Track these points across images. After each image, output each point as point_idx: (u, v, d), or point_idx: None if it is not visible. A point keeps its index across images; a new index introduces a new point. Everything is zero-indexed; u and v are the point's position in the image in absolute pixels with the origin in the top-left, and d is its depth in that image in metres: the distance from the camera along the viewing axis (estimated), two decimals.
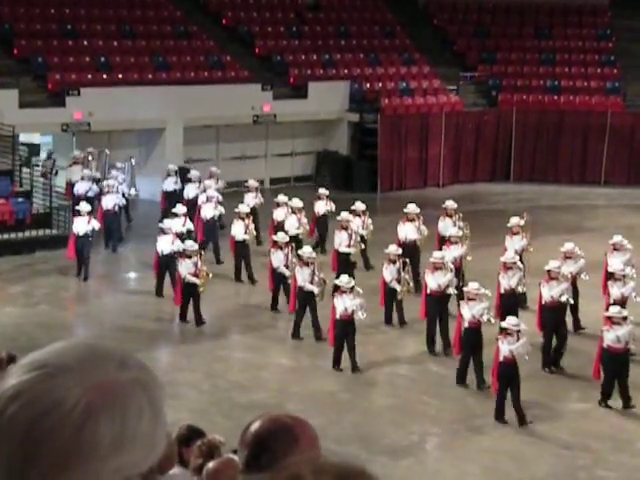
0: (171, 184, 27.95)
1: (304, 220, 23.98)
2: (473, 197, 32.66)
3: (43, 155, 30.75)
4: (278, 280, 20.94)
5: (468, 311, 17.30)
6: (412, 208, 22.87)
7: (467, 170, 35.62)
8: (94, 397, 1.52)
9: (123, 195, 26.89)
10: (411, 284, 20.41)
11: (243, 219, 23.15)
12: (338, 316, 17.95)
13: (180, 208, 23.75)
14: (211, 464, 6.60)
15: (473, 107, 36.31)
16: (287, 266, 20.73)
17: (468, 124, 35.47)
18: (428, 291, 19.17)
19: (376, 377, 18.03)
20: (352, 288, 17.93)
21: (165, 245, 21.77)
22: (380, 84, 35.37)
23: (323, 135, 34.90)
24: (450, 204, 23.42)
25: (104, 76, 30.87)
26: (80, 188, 26.76)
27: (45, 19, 31.97)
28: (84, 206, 23.33)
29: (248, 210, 23.68)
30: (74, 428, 1.51)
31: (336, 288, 18.14)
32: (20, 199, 26.21)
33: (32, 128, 29.04)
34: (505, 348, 15.86)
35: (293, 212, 23.94)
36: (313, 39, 36.16)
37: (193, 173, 27.36)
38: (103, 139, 30.72)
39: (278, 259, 20.90)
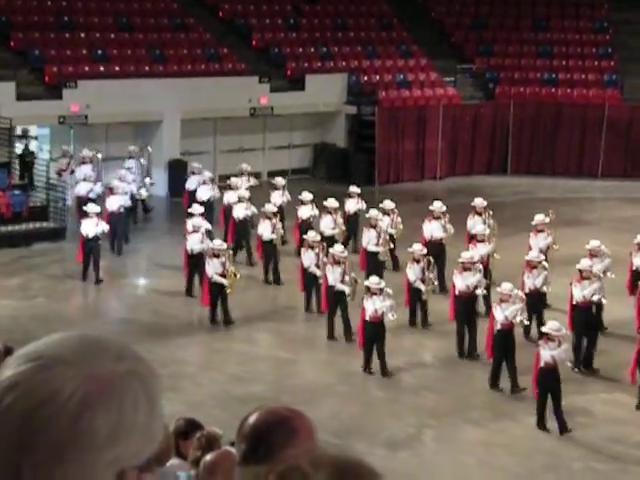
0: (194, 183, 26.94)
1: (340, 220, 23.25)
2: (470, 190, 32.63)
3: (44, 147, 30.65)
4: (309, 280, 20.43)
5: (501, 313, 16.83)
6: (438, 205, 22.30)
7: (464, 163, 35.60)
8: (90, 388, 1.52)
9: (132, 196, 26.06)
10: (436, 283, 20.04)
11: (270, 218, 22.51)
12: (368, 318, 17.53)
13: (196, 208, 22.99)
14: (209, 456, 6.61)
15: (470, 100, 36.30)
16: (318, 266, 20.24)
17: (465, 117, 35.46)
18: (456, 292, 18.60)
19: (374, 370, 18.00)
20: (382, 289, 17.51)
21: (195, 244, 21.29)
22: (377, 77, 35.34)
23: (320, 127, 34.87)
24: (479, 202, 22.87)
25: (101, 68, 30.83)
26: (81, 189, 26.02)
27: (42, 11, 31.91)
28: (92, 207, 22.61)
29: (275, 209, 23.07)
30: (70, 419, 1.51)
31: (367, 289, 17.69)
32: (17, 191, 26.20)
33: (29, 120, 28.99)
34: (546, 354, 15.42)
35: (328, 212, 23.12)
36: (310, 31, 36.12)
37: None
38: (100, 131, 30.70)
39: (309, 259, 20.38)
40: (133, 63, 31.46)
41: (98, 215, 22.49)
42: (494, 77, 37.01)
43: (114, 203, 24.49)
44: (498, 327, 16.92)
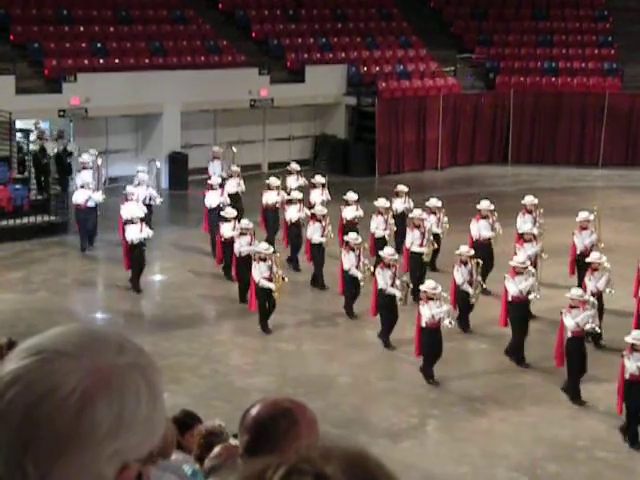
0: (234, 186, 25.49)
1: (391, 221, 22.27)
2: (471, 180, 32.67)
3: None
4: (349, 283, 19.84)
5: (571, 319, 16.06)
6: (485, 204, 21.51)
7: (465, 153, 35.58)
8: (92, 382, 1.52)
9: (149, 202, 24.50)
10: (484, 286, 19.40)
11: (320, 220, 21.71)
12: (424, 324, 16.81)
13: (230, 211, 22.00)
14: (214, 450, 6.61)
15: (470, 89, 36.26)
16: (359, 267, 19.66)
17: (465, 106, 35.42)
18: (509, 297, 17.77)
19: (375, 361, 18.02)
20: (439, 294, 16.82)
21: (243, 246, 20.44)
22: (377, 67, 35.30)
23: (321, 119, 34.87)
24: (529, 200, 22.03)
25: (101, 61, 30.82)
26: (79, 197, 24.10)
27: (41, 5, 31.87)
28: (135, 212, 21.63)
29: (325, 211, 22.11)
30: (72, 413, 1.51)
31: (423, 294, 16.95)
32: (18, 186, 26.20)
33: (29, 114, 28.97)
34: (632, 365, 14.57)
35: (379, 213, 22.29)
36: (310, 22, 36.07)
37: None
38: (100, 125, 30.69)
39: (349, 261, 19.68)
40: (132, 56, 31.44)
41: (142, 220, 21.53)
42: (494, 67, 36.97)
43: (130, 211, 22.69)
44: (569, 335, 16.18)
